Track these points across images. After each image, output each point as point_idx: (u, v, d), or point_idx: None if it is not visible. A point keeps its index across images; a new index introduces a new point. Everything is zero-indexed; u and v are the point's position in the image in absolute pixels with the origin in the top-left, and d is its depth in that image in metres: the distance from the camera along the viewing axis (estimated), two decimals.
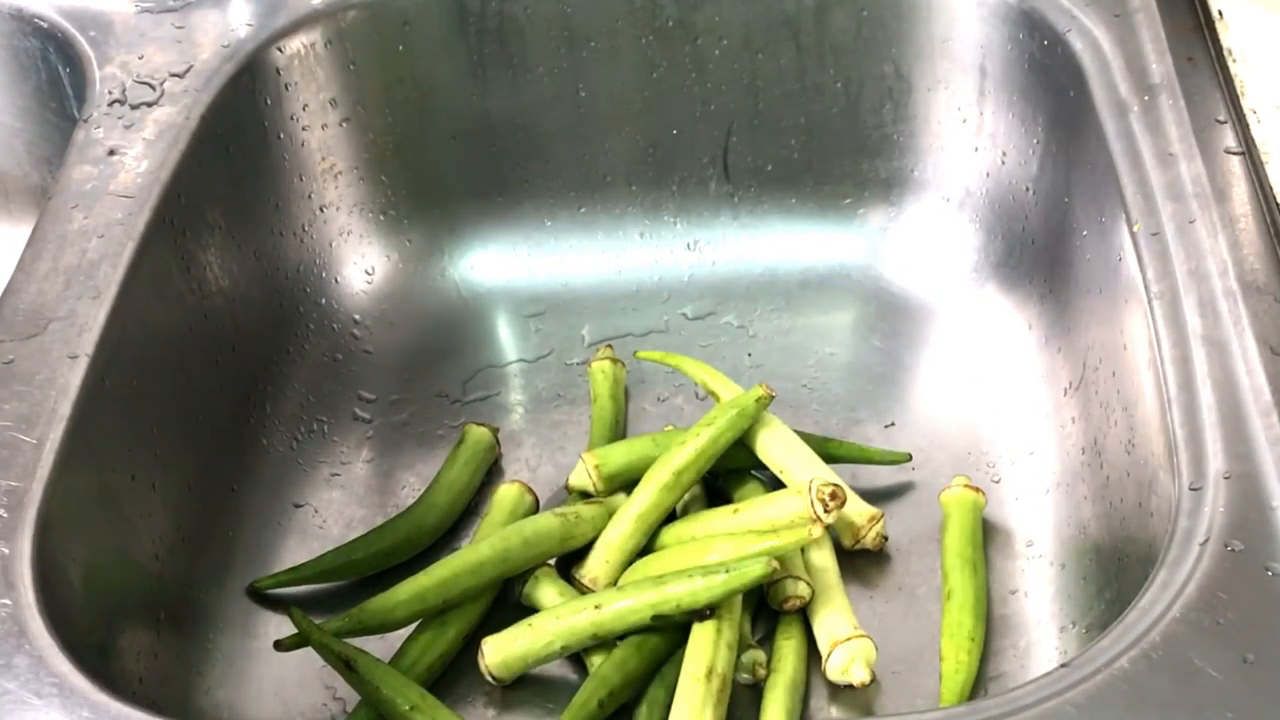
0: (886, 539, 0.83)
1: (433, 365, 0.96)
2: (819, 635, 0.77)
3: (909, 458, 0.87)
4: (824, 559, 0.80)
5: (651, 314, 0.99)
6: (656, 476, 0.81)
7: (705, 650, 0.74)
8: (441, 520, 0.86)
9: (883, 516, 0.82)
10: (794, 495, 0.79)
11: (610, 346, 0.94)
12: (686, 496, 0.84)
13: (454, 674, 0.79)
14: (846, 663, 0.75)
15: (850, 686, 0.76)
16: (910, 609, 0.81)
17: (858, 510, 0.82)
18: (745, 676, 0.76)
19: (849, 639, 0.76)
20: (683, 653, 0.75)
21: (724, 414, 0.83)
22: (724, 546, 0.77)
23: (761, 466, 0.85)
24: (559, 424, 0.92)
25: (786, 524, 0.78)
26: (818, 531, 0.76)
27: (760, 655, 0.76)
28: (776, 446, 0.84)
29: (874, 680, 0.76)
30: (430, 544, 0.85)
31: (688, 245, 1.01)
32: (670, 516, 0.83)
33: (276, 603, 0.82)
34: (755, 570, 0.74)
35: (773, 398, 0.83)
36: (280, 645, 0.76)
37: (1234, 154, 0.81)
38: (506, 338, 0.99)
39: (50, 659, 0.63)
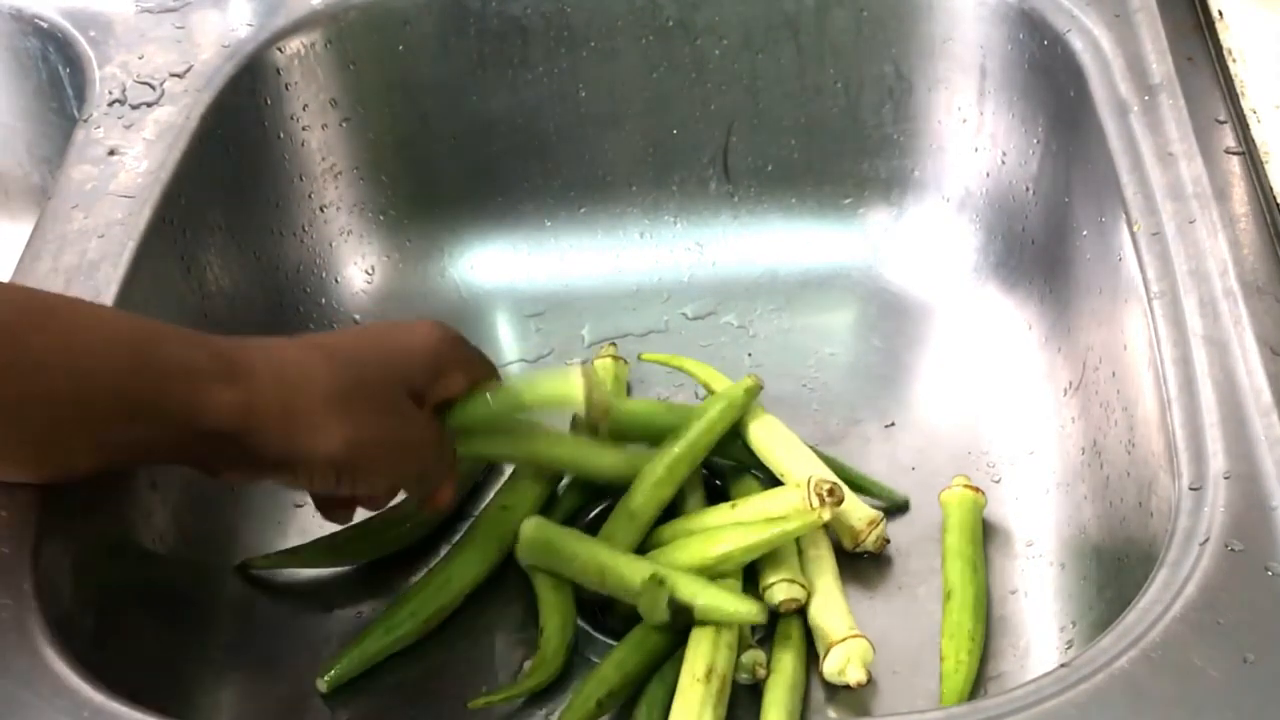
0: (889, 541, 0.83)
1: None
2: (816, 636, 0.77)
3: (908, 504, 0.85)
4: (822, 560, 0.80)
5: (651, 314, 0.99)
6: (649, 473, 0.82)
7: (705, 650, 0.74)
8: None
9: (883, 520, 0.82)
10: (791, 490, 0.79)
11: (614, 345, 0.94)
12: (690, 500, 0.84)
13: (453, 674, 0.79)
14: (842, 663, 0.75)
15: (848, 687, 0.76)
16: (910, 609, 0.81)
17: (859, 514, 0.82)
18: (745, 676, 0.76)
19: (844, 639, 0.76)
20: (682, 652, 0.75)
21: (714, 406, 0.83)
22: (731, 536, 0.78)
23: (763, 469, 0.85)
24: (559, 424, 0.92)
25: (782, 518, 0.78)
26: (827, 515, 0.77)
27: (760, 655, 0.76)
28: (776, 447, 0.84)
29: (870, 681, 0.76)
30: (428, 533, 0.85)
31: (688, 245, 1.01)
32: (670, 515, 0.83)
33: (275, 600, 0.82)
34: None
35: (761, 388, 0.84)
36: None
37: (1234, 154, 0.81)
38: (506, 338, 0.99)
39: (50, 659, 0.63)
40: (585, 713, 0.73)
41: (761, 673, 0.76)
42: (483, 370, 0.78)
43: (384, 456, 0.72)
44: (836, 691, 0.76)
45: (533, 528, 0.80)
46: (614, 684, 0.74)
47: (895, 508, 0.85)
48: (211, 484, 0.84)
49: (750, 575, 0.79)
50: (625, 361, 0.93)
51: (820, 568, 0.80)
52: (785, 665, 0.76)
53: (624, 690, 0.75)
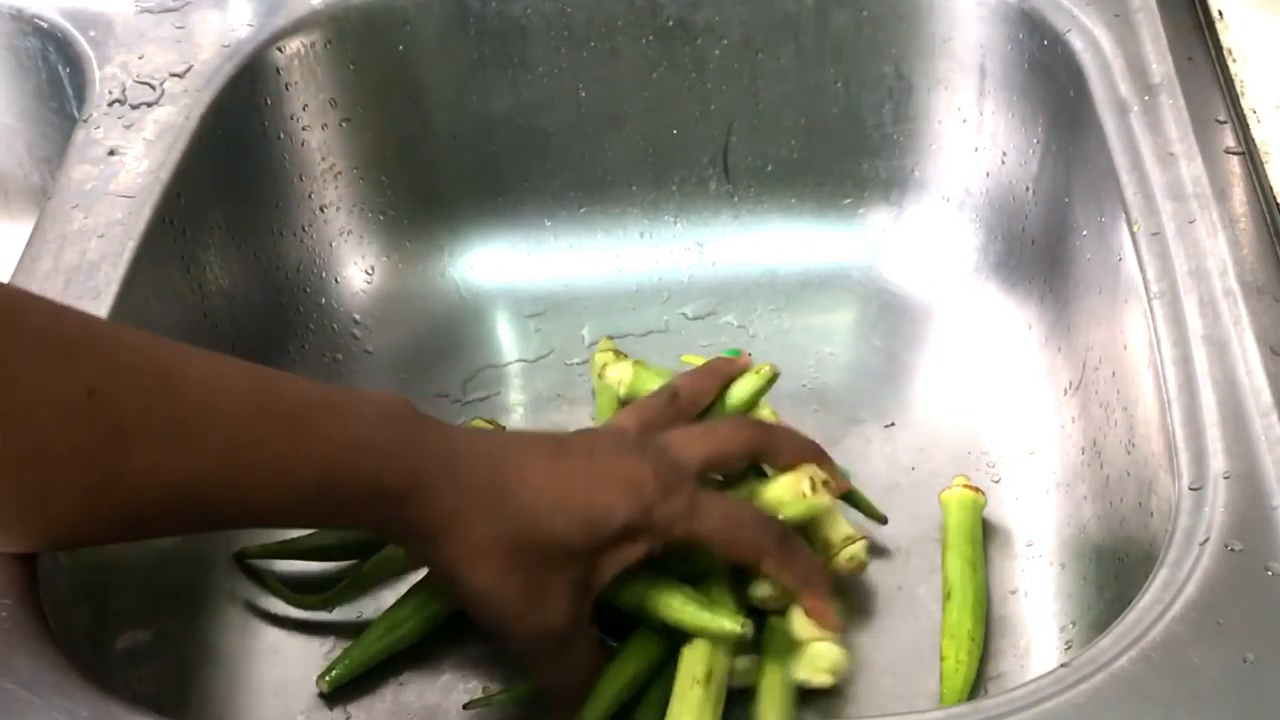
0: (865, 565, 0.80)
1: (433, 365, 0.96)
2: (794, 638, 0.76)
3: (885, 520, 0.84)
4: None
5: (651, 314, 0.99)
6: None
7: (704, 652, 0.73)
8: None
9: (863, 540, 0.79)
10: (787, 479, 0.78)
11: (610, 340, 0.94)
12: None
13: (453, 674, 0.79)
14: (809, 668, 0.75)
15: (841, 689, 0.75)
16: (910, 609, 0.81)
17: (836, 529, 0.79)
18: (741, 679, 0.75)
19: (811, 641, 0.75)
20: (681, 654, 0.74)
21: (736, 394, 0.83)
22: None
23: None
24: (560, 424, 0.92)
25: (780, 504, 0.78)
26: (826, 499, 0.77)
27: (755, 656, 0.76)
28: None
29: (836, 686, 0.75)
30: None
31: (688, 245, 1.01)
32: None
33: (275, 600, 0.82)
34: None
35: (778, 375, 0.84)
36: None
37: (1234, 154, 0.81)
38: (506, 338, 0.99)
39: (49, 659, 0.63)
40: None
41: (756, 675, 0.75)
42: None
43: (519, 632, 0.70)
44: (831, 692, 0.76)
45: None
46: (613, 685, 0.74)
47: (878, 521, 0.84)
48: None
49: (744, 575, 0.78)
50: (625, 356, 0.92)
51: None
52: (779, 666, 0.75)
53: (623, 691, 0.75)
